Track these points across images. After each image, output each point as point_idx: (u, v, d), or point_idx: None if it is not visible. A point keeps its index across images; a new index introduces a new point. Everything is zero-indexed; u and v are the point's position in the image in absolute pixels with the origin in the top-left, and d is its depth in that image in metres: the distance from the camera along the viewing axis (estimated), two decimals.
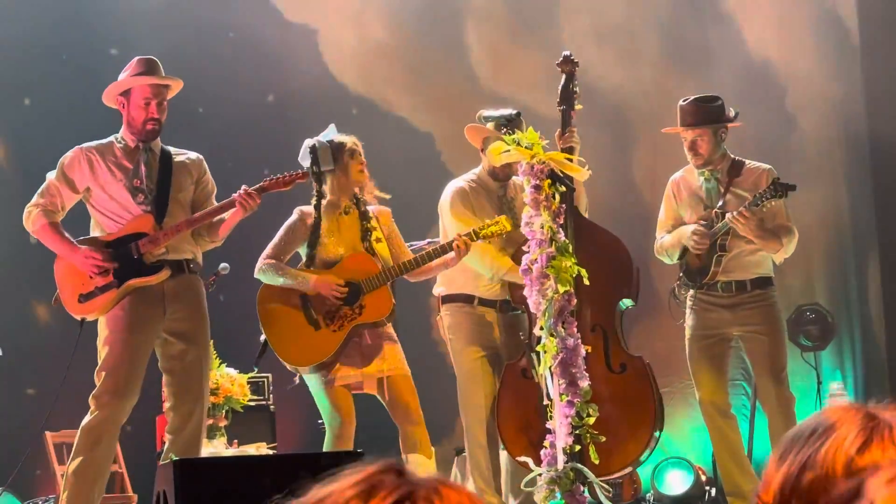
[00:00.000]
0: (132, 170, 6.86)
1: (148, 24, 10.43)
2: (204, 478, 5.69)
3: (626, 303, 7.31)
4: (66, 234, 6.82)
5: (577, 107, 7.21)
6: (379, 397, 7.00)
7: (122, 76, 6.95)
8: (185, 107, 10.30)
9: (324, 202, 7.03)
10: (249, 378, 8.06)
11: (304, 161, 7.06)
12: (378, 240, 7.06)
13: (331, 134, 7.06)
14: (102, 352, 6.74)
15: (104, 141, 6.94)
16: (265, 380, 8.99)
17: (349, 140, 7.04)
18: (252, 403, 8.33)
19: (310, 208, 7.05)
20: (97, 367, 6.75)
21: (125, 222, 6.81)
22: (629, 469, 7.19)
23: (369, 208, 7.11)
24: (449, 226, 7.36)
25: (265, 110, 10.66)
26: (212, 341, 7.83)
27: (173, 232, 6.79)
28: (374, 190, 7.12)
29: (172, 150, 7.05)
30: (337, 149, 7.00)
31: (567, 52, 7.25)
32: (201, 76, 10.31)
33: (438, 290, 7.57)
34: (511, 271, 7.20)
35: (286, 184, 6.95)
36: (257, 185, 6.84)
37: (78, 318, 6.81)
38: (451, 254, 6.93)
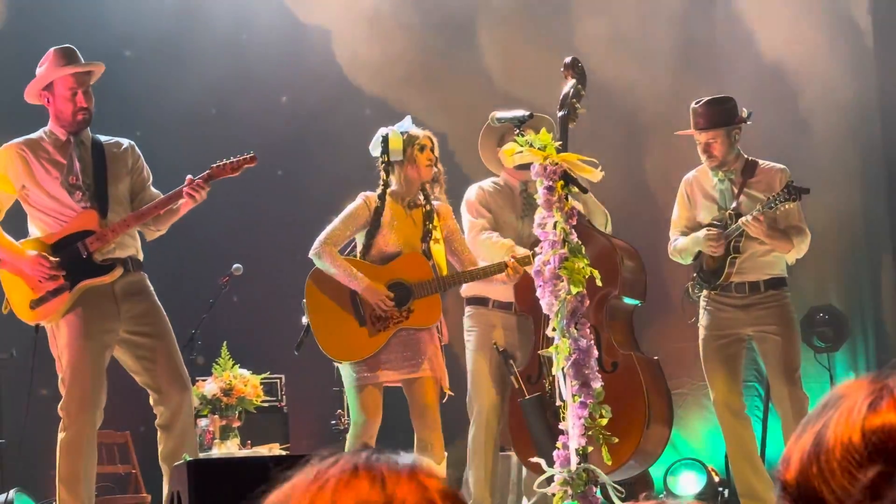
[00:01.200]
0: (66, 165, 6.66)
1: (161, 26, 10.45)
2: (217, 478, 5.71)
3: (631, 301, 7.32)
4: (9, 238, 6.65)
5: (581, 110, 7.18)
6: (405, 391, 7.04)
7: (39, 70, 6.75)
8: (199, 108, 10.36)
9: (389, 192, 7.03)
10: (262, 379, 8.05)
11: (375, 150, 7.06)
12: (436, 241, 7.07)
13: (406, 125, 7.07)
14: (62, 359, 6.59)
15: (32, 136, 6.75)
16: (278, 381, 9.00)
17: (422, 134, 7.05)
18: (265, 404, 8.32)
19: (374, 195, 7.04)
20: (60, 377, 6.62)
21: (67, 220, 6.64)
22: (627, 466, 7.17)
23: (434, 203, 7.11)
24: (465, 223, 7.43)
25: (279, 111, 10.67)
26: (224, 342, 7.84)
27: (121, 228, 6.65)
28: (443, 188, 7.13)
29: (102, 138, 6.86)
30: (408, 141, 7.00)
31: (570, 58, 7.21)
32: (215, 78, 10.34)
33: (463, 289, 7.65)
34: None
35: (234, 169, 6.78)
36: (203, 173, 6.68)
37: (32, 324, 6.66)
38: (504, 274, 6.98)
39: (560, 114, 7.25)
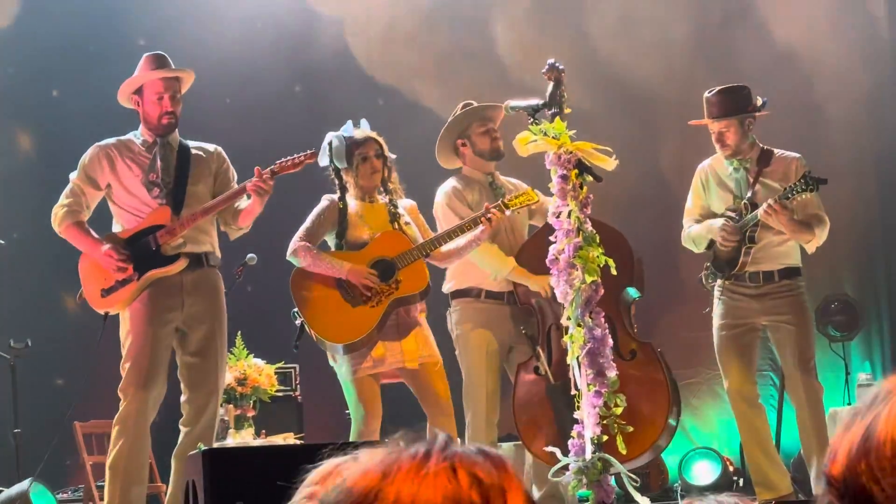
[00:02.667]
0: (149, 164, 6.93)
1: (175, 16, 10.46)
2: (232, 467, 5.72)
3: (633, 293, 7.32)
4: (91, 232, 6.93)
5: (567, 110, 7.13)
6: (409, 385, 7.02)
7: (133, 76, 7.03)
8: (213, 98, 10.36)
9: (348, 194, 7.07)
10: (277, 368, 8.06)
11: (322, 158, 7.10)
12: (407, 223, 7.08)
13: (349, 130, 7.08)
14: (126, 344, 6.83)
15: (123, 137, 7.03)
16: (293, 370, 9.01)
17: (362, 139, 7.05)
18: (279, 394, 8.33)
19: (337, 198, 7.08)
20: (122, 360, 6.83)
21: (143, 216, 6.89)
22: (647, 456, 7.17)
23: (399, 202, 7.12)
24: (447, 225, 7.37)
25: (292, 100, 10.67)
26: (239, 332, 7.86)
27: (189, 221, 6.86)
28: (397, 186, 7.13)
29: (191, 143, 7.11)
30: (350, 148, 7.03)
31: (552, 61, 7.19)
32: (228, 67, 10.35)
33: (447, 286, 7.62)
34: (514, 272, 7.29)
35: (295, 166, 6.99)
36: (268, 169, 6.87)
37: (101, 312, 6.90)
38: (480, 229, 6.96)
39: (550, 113, 7.19)
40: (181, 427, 6.91)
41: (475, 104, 7.64)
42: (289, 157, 6.98)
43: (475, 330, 7.50)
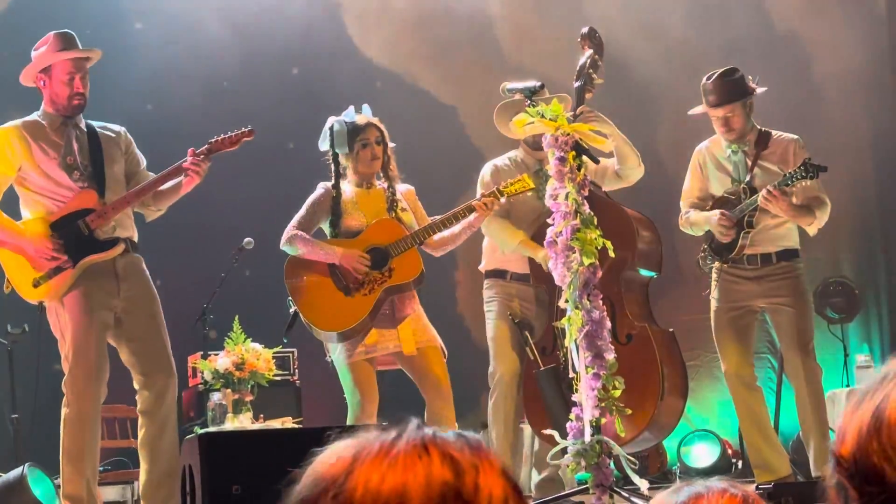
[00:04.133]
0: (64, 146, 6.71)
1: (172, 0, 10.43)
2: (229, 451, 5.71)
3: (647, 273, 7.32)
4: (9, 219, 6.69)
5: (599, 80, 7.14)
6: (407, 370, 7.00)
7: (35, 53, 6.80)
8: (210, 81, 10.34)
9: (345, 180, 7.04)
10: (275, 353, 8.05)
11: (323, 142, 7.07)
12: (404, 210, 7.05)
13: (350, 115, 7.05)
14: (66, 336, 6.63)
15: (28, 118, 6.78)
16: (290, 355, 9.00)
17: (363, 124, 7.01)
18: (278, 378, 8.32)
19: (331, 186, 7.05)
20: (63, 355, 6.65)
21: (65, 200, 6.67)
22: (642, 438, 7.15)
23: (397, 187, 7.10)
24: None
25: (289, 84, 10.65)
26: (237, 316, 7.83)
27: (122, 204, 6.69)
28: (396, 173, 7.10)
29: (95, 123, 6.91)
30: (351, 133, 7.00)
31: (587, 29, 7.17)
32: (226, 50, 10.32)
33: (481, 265, 7.70)
34: (522, 244, 7.25)
35: (232, 143, 6.84)
36: (203, 148, 6.74)
37: (34, 302, 6.70)
38: (474, 216, 6.93)
39: (576, 84, 7.21)
40: (140, 414, 6.75)
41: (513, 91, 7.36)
42: (225, 134, 6.83)
43: (500, 312, 7.55)
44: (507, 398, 7.45)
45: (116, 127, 6.98)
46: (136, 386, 6.77)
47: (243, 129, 6.87)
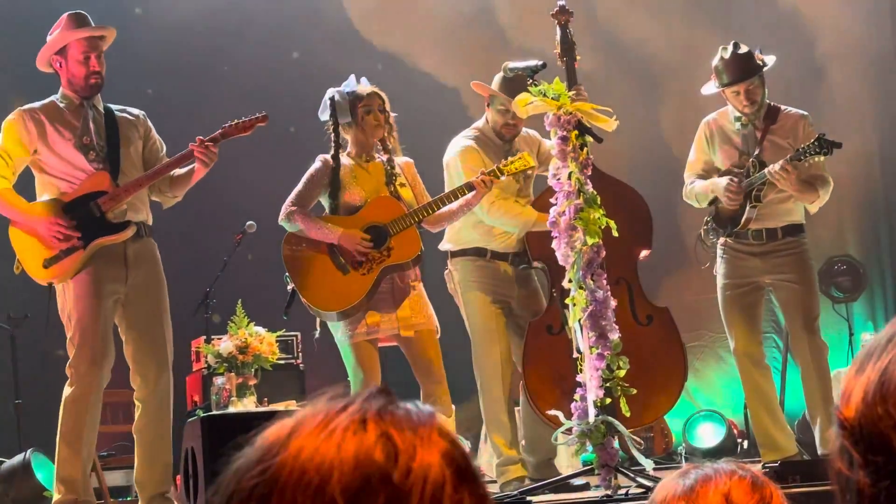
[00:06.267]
0: (80, 127, 6.69)
1: None
2: (231, 433, 5.69)
3: (646, 251, 7.30)
4: (22, 200, 6.66)
5: (578, 57, 7.09)
6: (403, 350, 6.97)
7: (50, 36, 6.77)
8: (211, 65, 10.31)
9: (344, 153, 7.00)
10: (278, 336, 8.03)
11: (323, 113, 7.02)
12: (402, 185, 7.01)
13: (351, 85, 7.00)
14: (71, 319, 6.61)
15: (45, 101, 6.76)
16: (294, 338, 8.99)
17: (366, 93, 6.96)
18: (281, 362, 8.31)
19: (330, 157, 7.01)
20: (68, 336, 6.62)
21: (79, 182, 6.65)
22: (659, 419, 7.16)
23: (396, 160, 7.06)
24: (458, 180, 7.27)
25: (290, 67, 10.62)
26: (239, 300, 7.81)
27: (134, 187, 6.66)
28: (396, 144, 7.06)
29: (114, 106, 6.88)
30: (353, 102, 6.95)
31: (562, 2, 7.11)
32: (226, 35, 10.30)
33: (446, 246, 7.54)
34: (540, 220, 7.13)
35: (245, 129, 6.81)
36: (214, 134, 6.70)
37: (44, 283, 6.68)
38: (472, 194, 6.87)
39: (565, 59, 7.11)
40: (136, 401, 6.75)
41: (515, 70, 7.28)
42: (238, 120, 6.80)
43: (482, 292, 7.40)
44: (503, 385, 7.35)
45: (136, 111, 6.96)
46: (130, 376, 6.75)
47: (257, 115, 6.84)
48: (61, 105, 6.73)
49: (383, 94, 7.01)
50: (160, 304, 6.77)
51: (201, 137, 6.65)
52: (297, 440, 1.32)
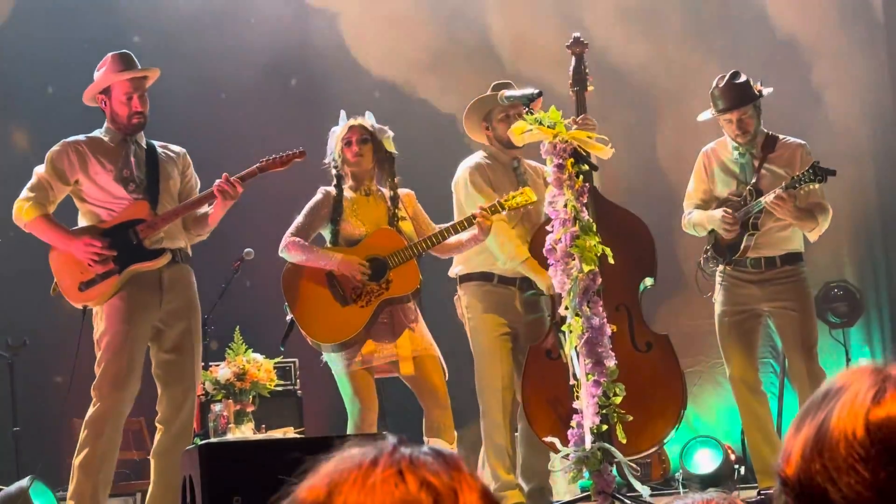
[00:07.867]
0: (121, 160, 6.89)
1: (169, 12, 10.44)
2: (230, 461, 5.69)
3: (648, 282, 7.30)
4: (62, 225, 6.85)
5: (590, 88, 7.20)
6: (404, 379, 6.97)
7: (97, 74, 6.99)
8: (208, 93, 10.34)
9: (345, 185, 7.04)
10: (276, 363, 8.05)
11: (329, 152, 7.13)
12: (403, 218, 7.04)
13: (342, 120, 7.07)
14: (102, 341, 6.76)
15: (91, 134, 6.98)
16: (292, 365, 8.99)
17: (347, 127, 7.02)
18: (279, 388, 8.32)
19: (332, 188, 7.06)
20: (97, 359, 6.76)
21: (118, 210, 6.83)
22: (657, 447, 7.16)
23: (400, 191, 7.09)
24: (466, 202, 7.33)
25: (287, 94, 10.65)
26: (237, 327, 7.83)
27: (170, 216, 6.86)
28: (395, 180, 7.07)
29: (156, 143, 7.09)
30: (337, 137, 7.04)
31: (577, 35, 7.25)
32: (223, 62, 10.33)
33: (456, 269, 7.56)
34: (527, 264, 7.21)
35: (283, 163, 6.99)
36: (251, 168, 6.90)
37: (79, 306, 6.83)
38: (478, 231, 6.89)
39: (575, 89, 7.24)
40: (158, 424, 6.88)
41: (506, 89, 7.39)
42: (276, 155, 6.99)
43: (488, 316, 7.41)
44: (504, 411, 7.33)
45: (177, 148, 7.17)
46: (158, 395, 6.89)
47: (294, 151, 7.02)
48: (105, 139, 6.95)
49: (370, 126, 7.03)
50: (192, 328, 6.95)
51: (227, 174, 6.81)
52: (340, 498, 1.37)
